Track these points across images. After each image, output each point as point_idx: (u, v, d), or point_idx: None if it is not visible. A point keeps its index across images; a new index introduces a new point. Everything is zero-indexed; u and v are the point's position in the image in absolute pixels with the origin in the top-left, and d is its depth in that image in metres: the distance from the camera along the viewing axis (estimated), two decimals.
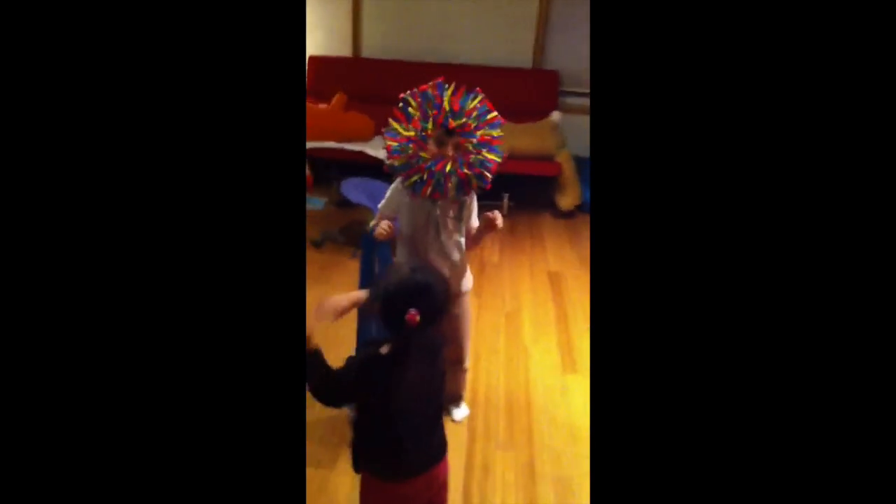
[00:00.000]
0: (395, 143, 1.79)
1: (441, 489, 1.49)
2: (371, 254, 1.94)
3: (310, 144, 3.93)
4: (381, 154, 3.72)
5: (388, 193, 1.92)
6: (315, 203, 4.01)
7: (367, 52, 4.28)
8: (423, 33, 4.19)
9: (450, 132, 1.72)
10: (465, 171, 1.75)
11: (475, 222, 1.98)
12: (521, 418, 2.27)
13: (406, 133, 1.77)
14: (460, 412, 2.26)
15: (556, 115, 3.97)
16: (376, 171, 3.37)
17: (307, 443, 2.00)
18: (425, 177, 1.74)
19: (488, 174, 1.82)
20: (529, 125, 3.98)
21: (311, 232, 3.57)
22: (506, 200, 3.98)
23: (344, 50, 4.26)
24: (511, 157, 3.82)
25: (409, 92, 1.79)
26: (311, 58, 4.19)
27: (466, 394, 2.35)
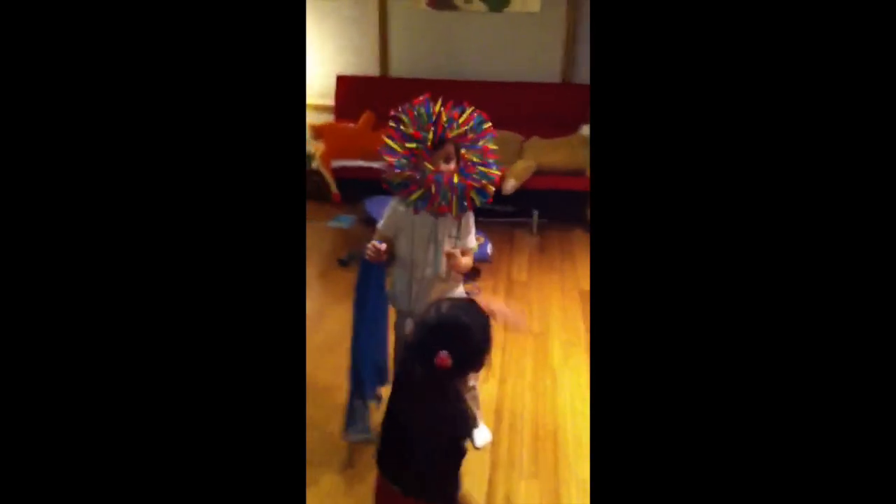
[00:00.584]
0: (397, 159, 1.76)
1: None
2: (368, 276, 1.87)
3: (338, 163, 3.94)
4: None
5: (386, 213, 1.88)
6: (343, 221, 4.00)
7: (395, 72, 4.28)
8: (451, 51, 4.16)
9: (444, 144, 1.70)
10: (473, 182, 1.72)
11: (471, 242, 1.91)
12: (547, 445, 2.17)
13: (409, 145, 1.74)
14: (482, 436, 2.17)
15: (585, 129, 3.88)
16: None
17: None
18: (433, 190, 1.70)
19: (491, 187, 1.78)
20: (559, 140, 3.90)
21: (339, 251, 3.55)
22: (535, 216, 3.89)
23: (372, 69, 4.27)
24: (541, 173, 3.79)
25: (401, 108, 1.78)
26: (339, 77, 4.21)
27: (490, 418, 2.26)
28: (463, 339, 1.16)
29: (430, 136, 1.70)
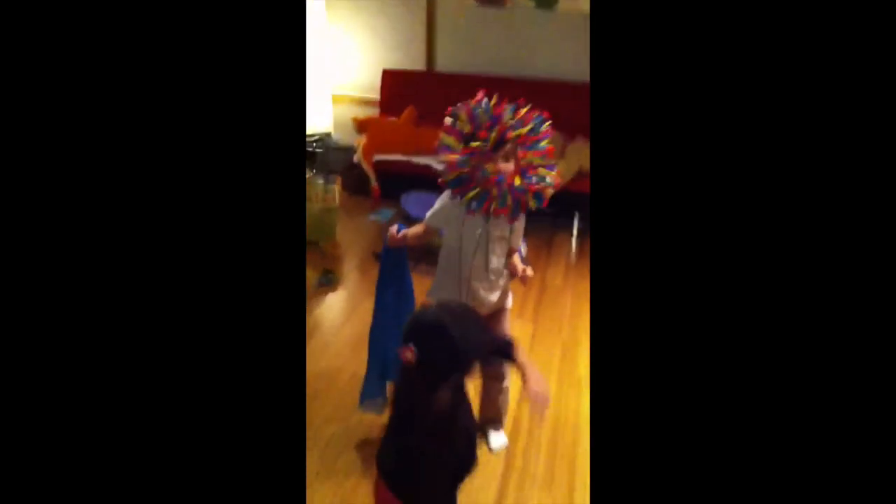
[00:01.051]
0: (458, 157, 1.71)
1: None
2: (390, 261, 1.89)
3: (379, 157, 3.95)
4: None
5: (436, 205, 1.84)
6: (384, 215, 4.01)
7: (440, 67, 4.25)
8: (498, 47, 4.10)
9: (504, 144, 1.64)
10: (533, 186, 1.67)
11: (519, 242, 1.88)
12: (565, 456, 2.10)
13: (473, 145, 1.68)
14: (498, 440, 2.12)
15: None
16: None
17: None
18: (494, 192, 1.66)
19: (550, 190, 1.73)
20: None
21: (378, 244, 3.56)
22: (576, 220, 3.79)
23: (418, 64, 4.26)
24: (584, 176, 3.68)
25: (458, 105, 1.73)
26: (385, 72, 4.21)
27: (509, 423, 2.21)
28: (438, 339, 1.12)
29: (494, 135, 1.63)
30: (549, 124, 1.72)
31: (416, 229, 1.88)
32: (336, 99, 4.37)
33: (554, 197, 3.90)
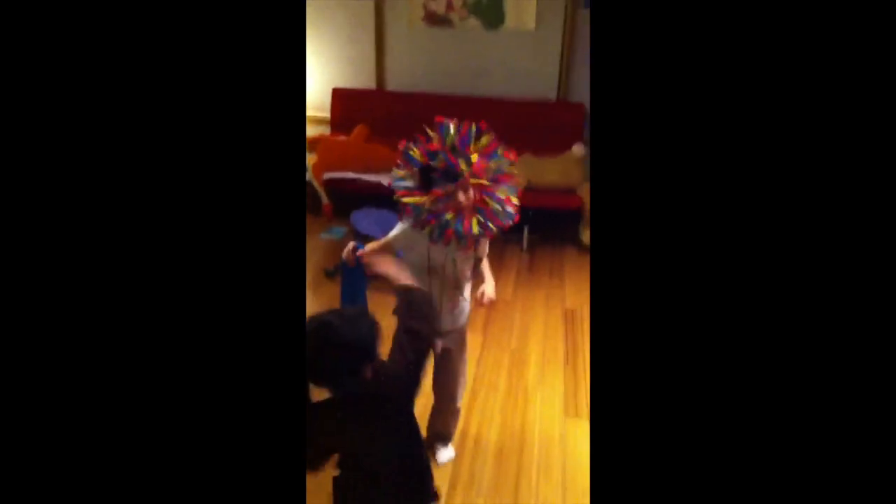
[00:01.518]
0: (412, 203, 1.70)
1: None
2: (351, 281, 1.88)
3: (329, 175, 3.96)
4: (398, 187, 3.70)
5: (398, 229, 1.82)
6: (336, 233, 4.00)
7: (391, 85, 4.31)
8: (447, 66, 4.18)
9: (456, 179, 1.62)
10: (490, 224, 1.69)
11: (483, 252, 1.87)
12: (509, 465, 2.12)
13: (424, 198, 1.68)
14: (445, 454, 2.13)
15: (578, 148, 3.85)
16: (393, 201, 3.34)
17: None
18: (448, 233, 1.67)
19: (510, 222, 1.75)
20: (552, 158, 3.88)
21: (328, 262, 3.55)
22: (525, 233, 3.86)
23: (368, 83, 4.30)
24: (532, 190, 3.76)
25: (409, 144, 1.72)
26: (335, 90, 4.24)
27: (456, 434, 2.22)
28: (327, 339, 1.15)
29: (448, 188, 1.63)
30: (509, 153, 1.73)
31: (375, 248, 1.86)
32: None
33: None
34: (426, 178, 1.66)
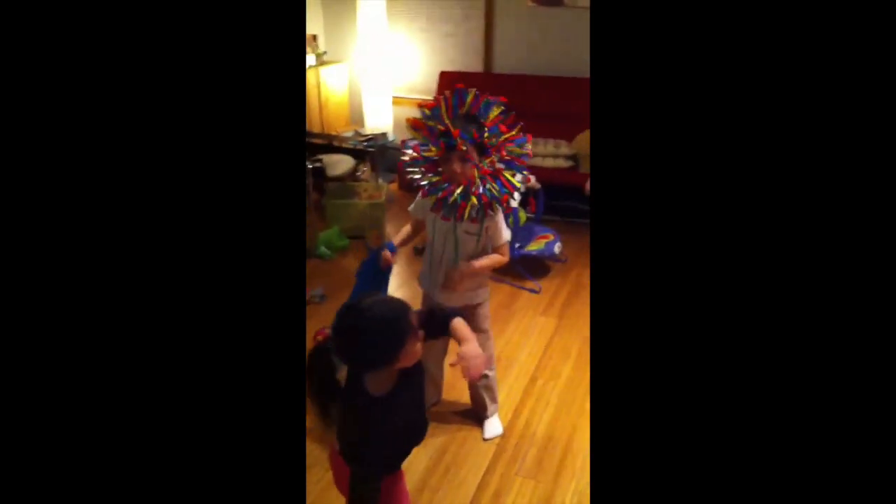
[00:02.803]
0: (408, 159, 1.79)
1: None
2: (369, 271, 1.93)
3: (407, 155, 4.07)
4: None
5: (417, 198, 1.91)
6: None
7: (498, 68, 4.31)
8: (554, 47, 4.09)
9: (458, 152, 1.66)
10: (473, 200, 1.68)
11: (503, 239, 1.86)
12: (555, 451, 2.10)
13: (425, 154, 1.76)
14: (492, 429, 2.16)
15: None
16: None
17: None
18: (432, 201, 1.73)
19: (508, 197, 1.75)
20: None
21: (420, 240, 3.67)
22: None
23: (476, 66, 4.34)
24: None
25: (423, 105, 1.78)
26: (442, 73, 4.34)
27: (508, 413, 2.24)
28: (354, 328, 1.19)
29: (434, 150, 1.70)
30: (516, 130, 1.73)
31: (404, 229, 1.97)
32: (396, 101, 4.55)
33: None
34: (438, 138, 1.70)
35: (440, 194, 1.71)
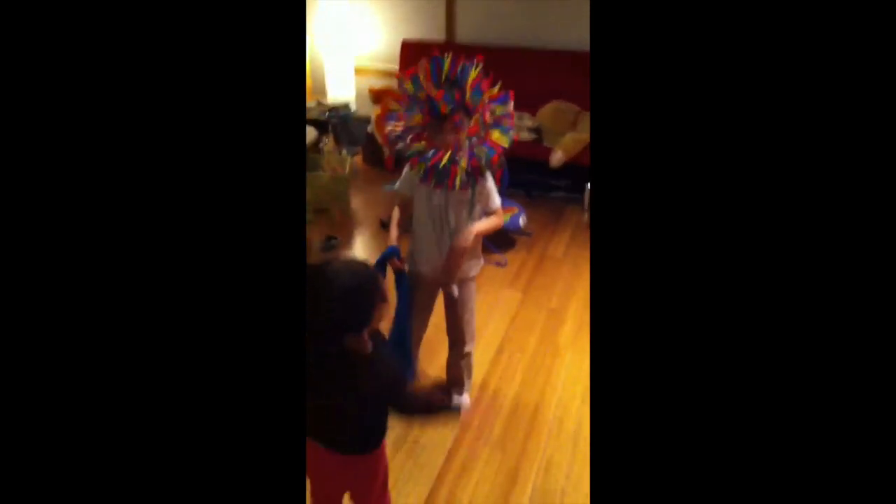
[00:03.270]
0: (395, 133, 1.76)
1: (359, 480, 1.46)
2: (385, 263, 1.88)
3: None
4: None
5: (402, 174, 1.87)
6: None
7: (460, 38, 4.25)
8: (518, 19, 4.06)
9: (441, 118, 1.65)
10: (463, 163, 1.68)
11: (496, 204, 1.85)
12: (521, 421, 2.15)
13: (403, 123, 1.73)
14: (459, 400, 2.19)
15: None
16: None
17: None
18: (422, 169, 1.70)
19: (492, 163, 1.74)
20: None
21: (387, 214, 3.65)
22: (587, 192, 3.75)
23: (438, 35, 4.27)
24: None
25: (402, 73, 1.75)
26: (404, 42, 4.26)
27: (475, 386, 2.27)
28: (326, 292, 1.18)
29: (418, 116, 1.68)
30: (496, 88, 1.73)
31: (396, 212, 1.92)
32: (358, 70, 4.45)
33: (566, 169, 3.87)
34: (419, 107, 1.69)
35: (429, 162, 1.68)
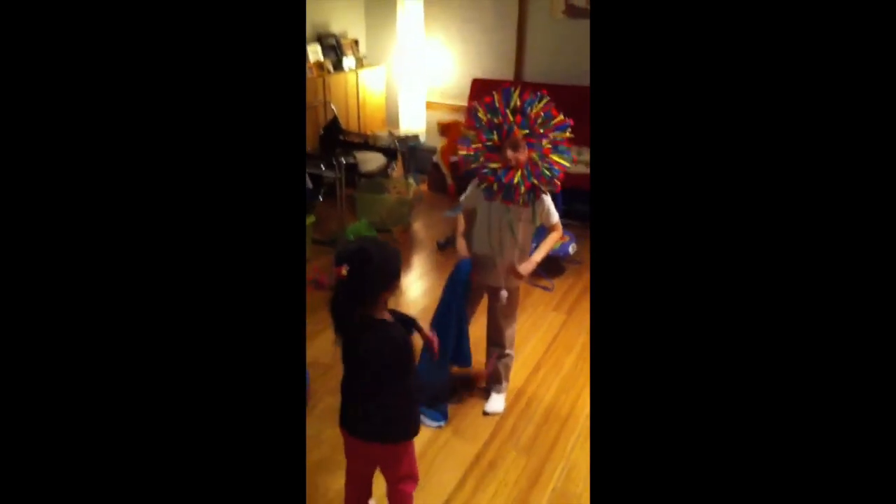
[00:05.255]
0: (468, 153, 2.00)
1: (385, 466, 1.62)
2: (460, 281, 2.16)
3: (454, 158, 4.28)
4: None
5: (468, 190, 2.12)
6: (457, 211, 4.32)
7: (528, 76, 4.49)
8: (581, 59, 4.25)
9: (513, 140, 1.87)
10: (533, 181, 1.89)
11: (555, 218, 2.05)
12: (552, 429, 2.26)
13: (475, 144, 1.97)
14: (493, 405, 2.34)
15: None
16: None
17: None
18: (495, 186, 1.93)
19: (557, 181, 1.94)
20: None
21: (442, 236, 3.87)
22: None
23: (507, 74, 4.53)
24: None
25: (476, 103, 1.99)
26: (474, 80, 4.54)
27: (510, 395, 2.41)
28: (362, 261, 1.39)
29: (495, 135, 1.90)
30: (559, 118, 1.91)
31: (460, 223, 2.20)
32: (429, 105, 4.77)
33: None
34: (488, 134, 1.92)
35: (504, 179, 1.90)
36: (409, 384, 1.54)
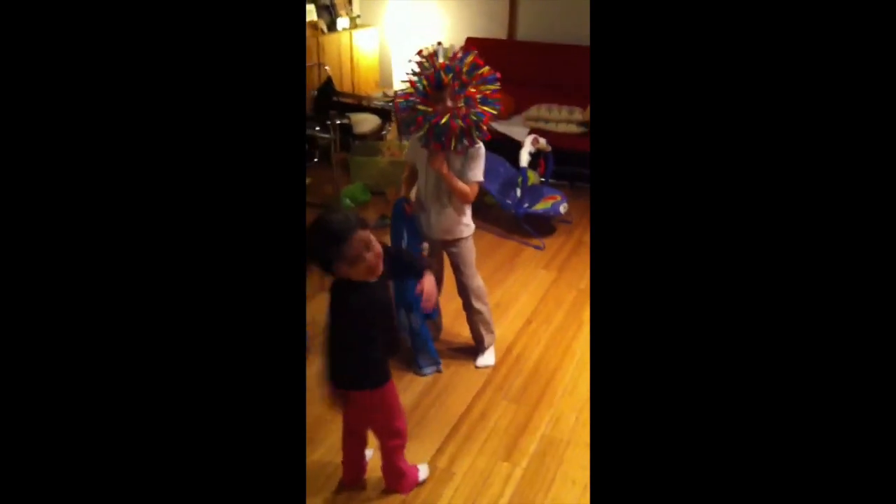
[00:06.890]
0: (402, 101, 2.13)
1: (370, 414, 1.73)
2: (399, 215, 2.31)
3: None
4: (511, 132, 3.91)
5: (409, 143, 2.24)
6: None
7: (521, 36, 4.47)
8: (577, 19, 4.24)
9: (442, 87, 1.99)
10: (459, 122, 1.99)
11: (477, 176, 2.14)
12: (540, 379, 2.37)
13: (408, 90, 2.10)
14: (483, 359, 2.45)
15: None
16: (509, 148, 3.60)
17: None
18: (426, 128, 2.01)
19: (484, 126, 2.04)
20: None
21: None
22: None
23: (500, 33, 4.51)
24: None
25: (418, 54, 2.11)
26: (468, 39, 4.52)
27: (501, 348, 2.51)
28: (310, 232, 1.48)
29: (424, 81, 2.03)
30: (485, 69, 2.03)
31: (404, 177, 2.32)
32: None
33: None
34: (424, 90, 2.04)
35: (433, 120, 2.01)
36: (386, 337, 1.68)
